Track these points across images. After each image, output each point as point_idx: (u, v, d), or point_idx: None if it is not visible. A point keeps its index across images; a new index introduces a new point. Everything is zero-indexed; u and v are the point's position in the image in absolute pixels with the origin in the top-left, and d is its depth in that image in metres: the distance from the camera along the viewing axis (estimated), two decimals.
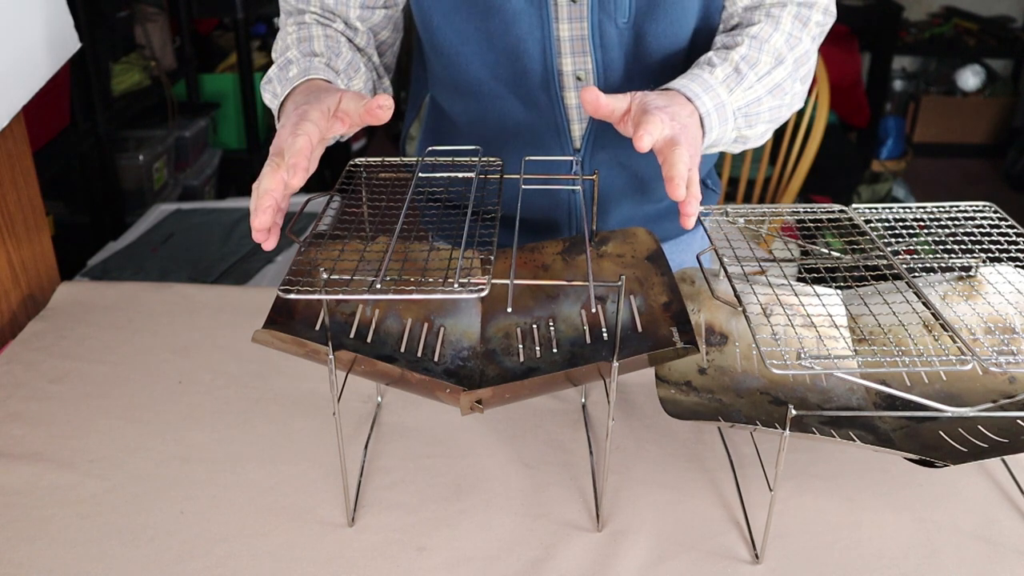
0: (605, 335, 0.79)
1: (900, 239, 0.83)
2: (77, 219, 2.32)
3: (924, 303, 0.73)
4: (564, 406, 0.94)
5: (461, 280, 0.64)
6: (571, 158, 0.96)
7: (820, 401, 0.81)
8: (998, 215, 0.85)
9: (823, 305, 0.83)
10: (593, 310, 0.82)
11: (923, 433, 0.76)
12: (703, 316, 0.85)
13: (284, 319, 0.76)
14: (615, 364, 0.69)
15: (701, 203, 0.75)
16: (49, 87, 1.11)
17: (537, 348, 0.82)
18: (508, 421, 0.91)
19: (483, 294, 0.62)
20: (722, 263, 0.78)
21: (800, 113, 2.22)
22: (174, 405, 0.95)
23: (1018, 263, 0.82)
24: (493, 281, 0.64)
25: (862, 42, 4.03)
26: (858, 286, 0.83)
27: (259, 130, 2.83)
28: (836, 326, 0.77)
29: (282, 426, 0.91)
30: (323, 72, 0.87)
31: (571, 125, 1.00)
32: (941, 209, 0.86)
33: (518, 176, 0.82)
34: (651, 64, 0.95)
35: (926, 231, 0.84)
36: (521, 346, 0.82)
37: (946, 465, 0.69)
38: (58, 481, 0.83)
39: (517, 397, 0.78)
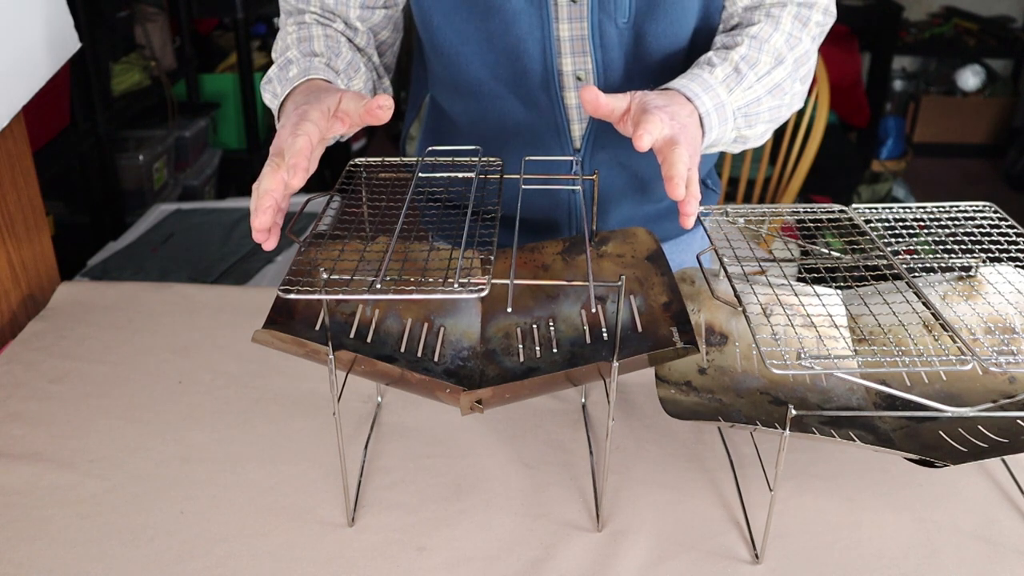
0: (605, 335, 0.79)
1: (900, 239, 0.83)
2: (77, 219, 2.32)
3: (924, 303, 0.73)
4: (564, 406, 0.94)
5: (461, 280, 0.64)
6: (571, 158, 0.96)
7: (820, 401, 0.81)
8: (998, 215, 0.85)
9: (823, 305, 0.83)
10: (593, 310, 0.82)
11: (923, 433, 0.76)
12: (703, 316, 0.85)
13: (284, 319, 0.76)
14: (615, 364, 0.69)
15: (701, 203, 0.75)
16: (49, 87, 1.11)
17: (537, 348, 0.82)
18: (508, 421, 0.91)
19: (483, 294, 0.62)
20: (722, 263, 0.78)
21: (800, 113, 2.22)
22: (174, 405, 0.95)
23: (1018, 263, 0.82)
24: (493, 281, 0.64)
25: (862, 42, 4.03)
26: (858, 286, 0.83)
27: (259, 130, 2.83)
28: (836, 326, 0.77)
29: (282, 426, 0.91)
30: (323, 72, 0.87)
31: (571, 125, 1.00)
32: (941, 209, 0.86)
33: (518, 176, 0.82)
34: (651, 64, 0.95)
35: (926, 231, 0.84)
36: (521, 346, 0.82)
37: (946, 465, 0.69)
38: (58, 481, 0.83)
39: (517, 397, 0.78)
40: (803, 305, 0.81)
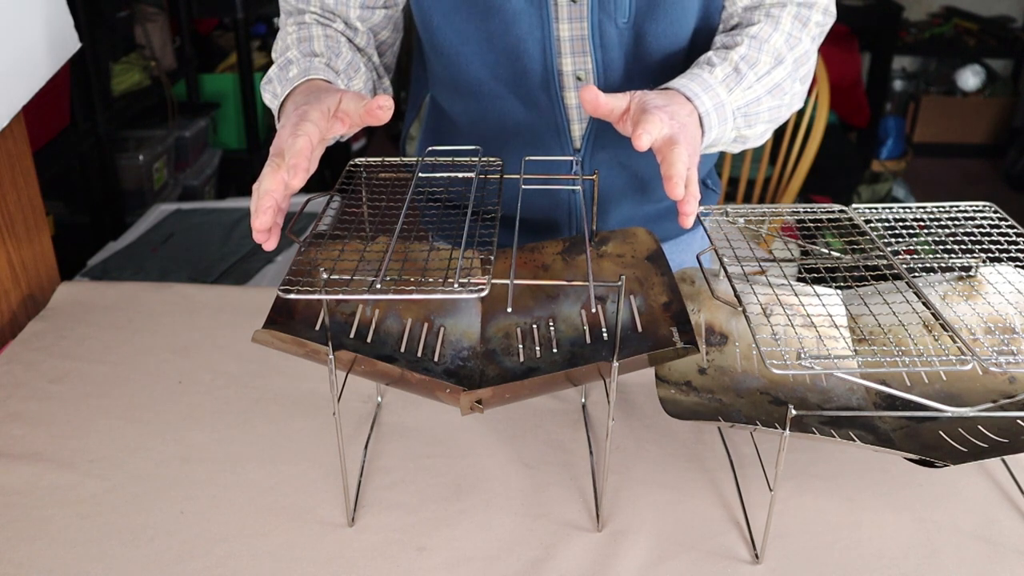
0: (605, 335, 0.79)
1: (900, 239, 0.83)
2: (77, 219, 2.32)
3: (924, 303, 0.73)
4: (564, 406, 0.94)
5: (461, 280, 0.64)
6: (571, 158, 0.96)
7: (820, 401, 0.81)
8: (998, 215, 0.85)
9: (823, 305, 0.83)
10: (593, 310, 0.82)
11: (923, 433, 0.76)
12: (703, 316, 0.85)
13: (284, 319, 0.76)
14: (615, 364, 0.69)
15: (701, 203, 0.75)
16: (49, 87, 1.11)
17: (537, 348, 0.82)
18: (508, 421, 0.91)
19: (483, 294, 0.62)
20: (722, 263, 0.78)
21: (800, 113, 2.22)
22: (174, 405, 0.95)
23: (1018, 263, 0.82)
24: (493, 281, 0.64)
25: (862, 42, 4.03)
26: (858, 286, 0.83)
27: (259, 130, 2.83)
28: (836, 326, 0.77)
29: (282, 426, 0.91)
30: (323, 72, 0.87)
31: (571, 125, 1.00)
32: (941, 209, 0.86)
33: (518, 176, 0.82)
34: (651, 64, 0.95)
35: (926, 231, 0.84)
36: (521, 346, 0.82)
37: (946, 465, 0.69)
38: (58, 481, 0.83)
39: (517, 397, 0.78)
40: (803, 305, 0.81)
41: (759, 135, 0.93)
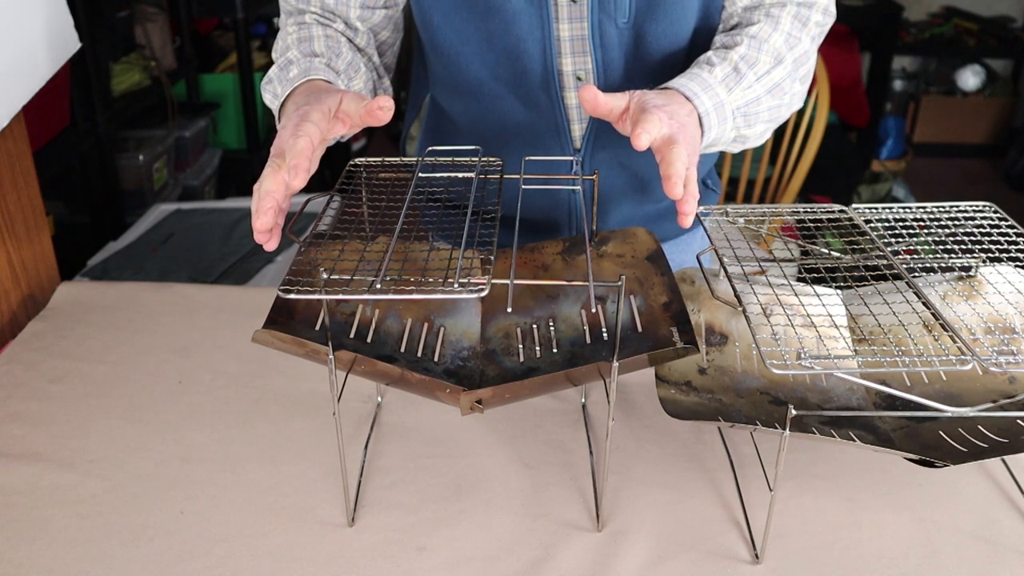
0: (605, 335, 0.79)
1: (900, 239, 0.83)
2: (77, 219, 2.32)
3: (924, 303, 0.73)
4: (564, 406, 0.94)
5: (461, 280, 0.64)
6: (571, 158, 0.96)
7: (820, 401, 0.81)
8: (998, 215, 0.85)
9: (823, 305, 0.83)
10: (593, 310, 0.82)
11: (923, 433, 0.76)
12: (703, 316, 0.85)
13: (284, 319, 0.76)
14: (615, 364, 0.69)
15: (701, 203, 0.75)
16: (49, 87, 1.11)
17: (537, 348, 0.82)
18: (508, 421, 0.91)
19: (483, 294, 0.62)
20: (722, 263, 0.78)
21: (800, 113, 2.22)
22: (174, 405, 0.95)
23: (1018, 263, 0.82)
24: (493, 281, 0.64)
25: (862, 42, 4.03)
26: (858, 286, 0.83)
27: (259, 130, 2.83)
28: (836, 326, 0.77)
29: (282, 426, 0.91)
30: (323, 72, 0.87)
31: (571, 125, 1.00)
32: (941, 209, 0.86)
33: (518, 176, 0.82)
34: (651, 64, 0.95)
35: (926, 231, 0.84)
36: (521, 346, 0.82)
37: (946, 465, 0.69)
38: (58, 481, 0.83)
39: (517, 397, 0.78)
40: (803, 305, 0.81)
41: (759, 135, 0.93)
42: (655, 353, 0.72)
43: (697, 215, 0.75)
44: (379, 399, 0.95)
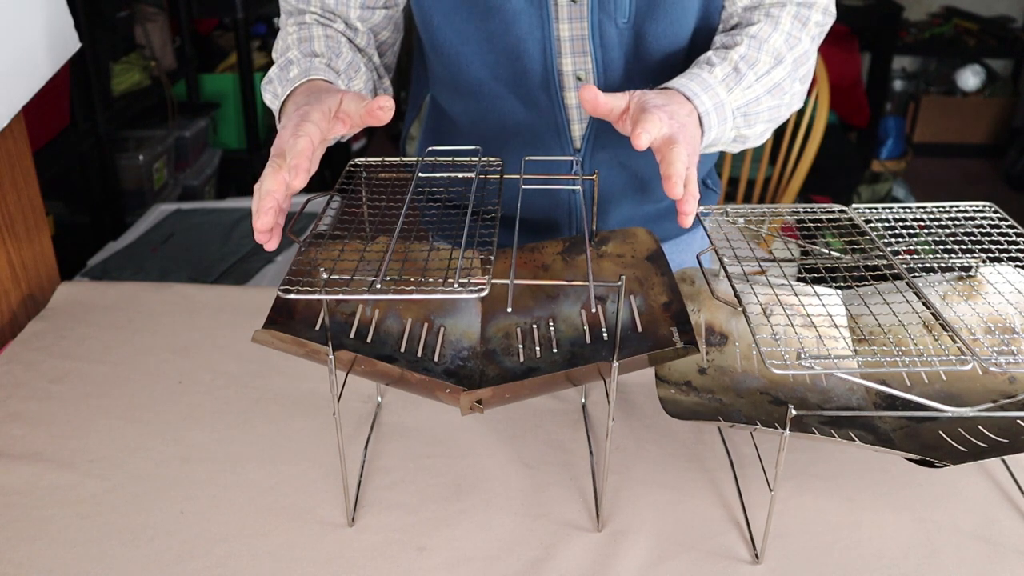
0: (605, 335, 0.79)
1: (900, 239, 0.83)
2: (77, 219, 2.32)
3: (924, 303, 0.73)
4: (564, 406, 0.94)
5: (461, 280, 0.64)
6: (571, 158, 0.96)
7: (820, 401, 0.81)
8: (998, 215, 0.85)
9: (823, 305, 0.83)
10: (593, 310, 0.82)
11: (923, 433, 0.76)
12: (703, 316, 0.85)
13: (284, 319, 0.76)
14: (615, 364, 0.69)
15: (701, 203, 0.75)
16: (49, 87, 1.11)
17: (537, 348, 0.82)
18: (508, 421, 0.91)
19: (483, 294, 0.62)
20: (722, 263, 0.78)
21: (800, 113, 2.22)
22: (174, 405, 0.95)
23: (1018, 263, 0.82)
24: (493, 281, 0.64)
25: (862, 42, 4.03)
26: (858, 286, 0.83)
27: (259, 130, 2.83)
28: (836, 326, 0.77)
29: (282, 426, 0.91)
30: (324, 72, 0.87)
31: (571, 125, 1.00)
32: (941, 209, 0.86)
33: (518, 176, 0.82)
34: (651, 64, 0.95)
35: (926, 231, 0.84)
36: (521, 346, 0.82)
37: (946, 465, 0.69)
38: (58, 481, 0.83)
39: (517, 397, 0.78)
40: (803, 305, 0.81)
41: (759, 135, 0.93)
42: (655, 353, 0.72)
43: (697, 215, 0.75)
44: (379, 399, 0.95)
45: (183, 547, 0.76)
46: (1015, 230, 0.83)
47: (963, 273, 0.85)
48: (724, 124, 0.87)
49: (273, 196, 0.70)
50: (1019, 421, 0.75)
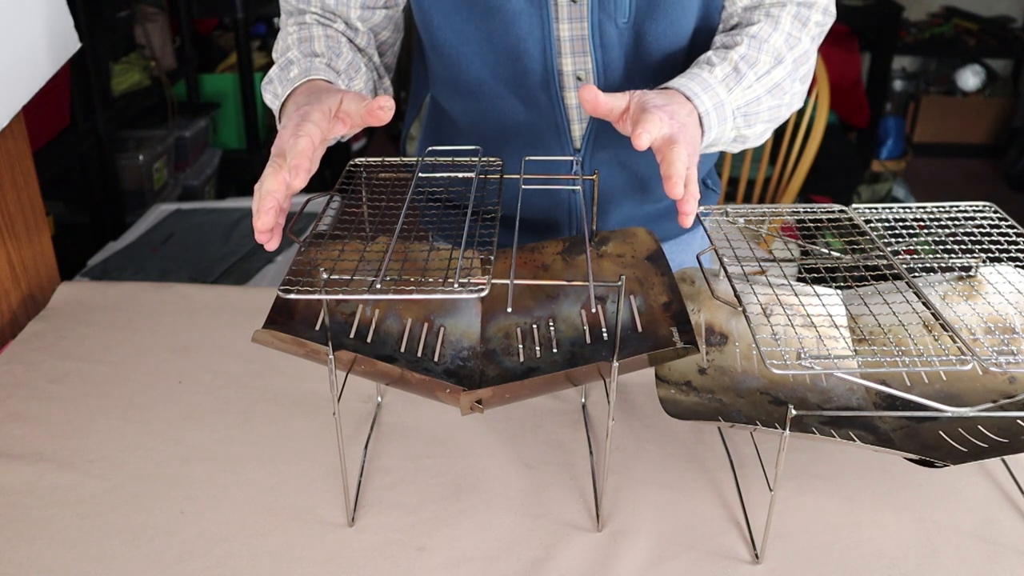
0: (605, 335, 0.79)
1: (900, 239, 0.83)
2: (77, 219, 2.32)
3: (924, 303, 0.73)
4: (564, 406, 0.94)
5: (461, 280, 0.64)
6: (571, 158, 0.96)
7: (820, 401, 0.81)
8: (998, 215, 0.85)
9: (823, 305, 0.83)
10: (593, 310, 0.82)
11: (923, 433, 0.76)
12: (703, 316, 0.85)
13: (284, 319, 0.76)
14: (615, 364, 0.69)
15: (701, 203, 0.75)
16: (49, 87, 1.11)
17: (537, 348, 0.82)
18: (508, 421, 0.91)
19: (483, 294, 0.62)
20: (722, 263, 0.78)
21: (800, 113, 2.22)
22: (174, 405, 0.95)
23: (1018, 263, 0.82)
24: (493, 281, 0.64)
25: (862, 42, 4.03)
26: (858, 286, 0.83)
27: (259, 130, 2.83)
28: (836, 326, 0.77)
29: (282, 426, 0.91)
30: (324, 72, 0.87)
31: (571, 125, 1.00)
32: (941, 209, 0.86)
33: (518, 176, 0.82)
34: (651, 64, 0.95)
35: (926, 231, 0.84)
36: (521, 346, 0.82)
37: (946, 465, 0.69)
38: (58, 481, 0.83)
39: (517, 397, 0.78)
40: (803, 305, 0.81)
41: (759, 135, 0.93)
42: (655, 353, 0.72)
43: (697, 215, 0.75)
44: (379, 399, 0.95)
45: (183, 547, 0.76)
46: (1015, 230, 0.83)
47: (963, 273, 0.85)
48: (724, 124, 0.87)
49: (273, 196, 0.70)
50: (1019, 421, 0.75)
